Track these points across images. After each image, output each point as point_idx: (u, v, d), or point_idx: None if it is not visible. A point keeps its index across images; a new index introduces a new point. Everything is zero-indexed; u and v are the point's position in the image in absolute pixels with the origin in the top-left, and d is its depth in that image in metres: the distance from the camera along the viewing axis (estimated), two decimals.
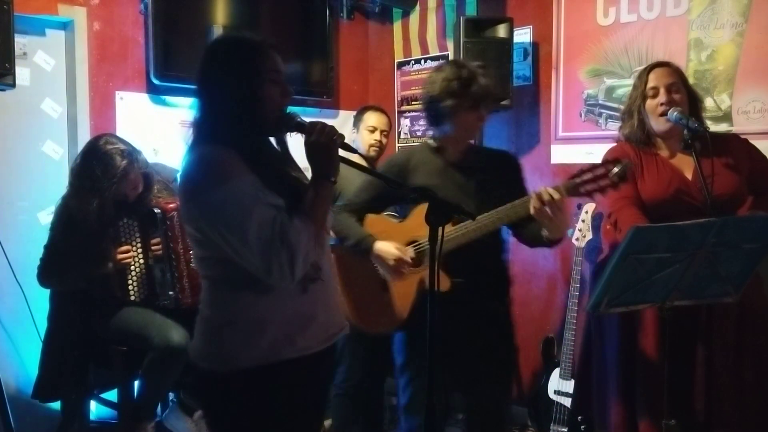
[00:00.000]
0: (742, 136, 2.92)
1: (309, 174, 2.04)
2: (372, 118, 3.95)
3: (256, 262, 1.84)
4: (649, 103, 2.74)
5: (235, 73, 1.93)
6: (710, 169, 2.55)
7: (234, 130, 1.92)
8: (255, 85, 1.93)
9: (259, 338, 1.94)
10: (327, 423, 4.01)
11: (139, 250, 3.38)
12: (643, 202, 2.71)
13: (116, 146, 3.28)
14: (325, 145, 1.94)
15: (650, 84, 2.74)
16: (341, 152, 2.00)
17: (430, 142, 2.88)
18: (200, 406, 2.62)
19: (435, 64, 4.82)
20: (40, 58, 3.76)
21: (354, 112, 4.20)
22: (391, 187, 2.60)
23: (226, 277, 1.96)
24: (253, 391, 1.95)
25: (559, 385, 3.78)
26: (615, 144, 2.92)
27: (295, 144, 2.07)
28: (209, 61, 2.00)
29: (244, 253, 1.84)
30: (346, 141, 2.01)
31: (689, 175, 2.71)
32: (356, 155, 2.31)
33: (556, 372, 3.84)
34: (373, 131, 3.92)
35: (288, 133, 2.06)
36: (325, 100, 4.81)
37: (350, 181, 3.56)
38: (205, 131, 1.97)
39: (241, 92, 1.92)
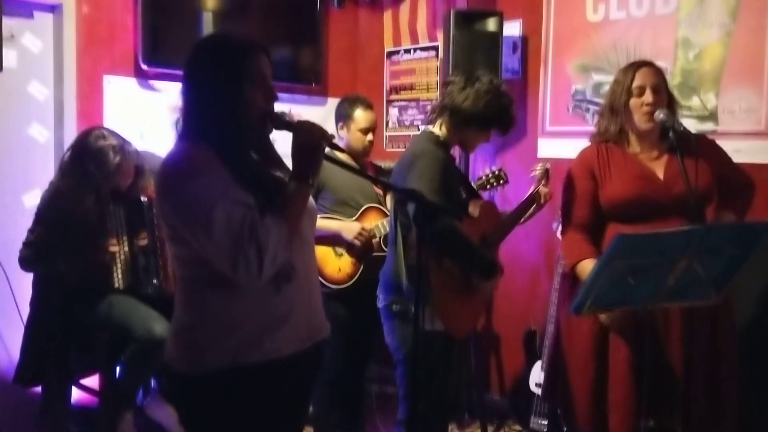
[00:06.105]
0: (728, 136, 2.93)
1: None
2: (364, 118, 3.70)
3: (222, 258, 1.83)
4: (634, 101, 2.73)
5: (218, 75, 1.93)
6: (692, 170, 2.57)
7: (215, 129, 1.92)
8: (237, 89, 1.92)
9: (226, 340, 1.92)
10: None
11: (125, 239, 3.38)
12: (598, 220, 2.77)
13: (108, 142, 3.27)
14: (312, 146, 1.92)
15: (636, 82, 2.71)
16: (327, 150, 1.96)
17: None
18: (173, 407, 2.60)
19: (425, 54, 4.82)
20: (27, 40, 3.72)
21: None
22: (379, 186, 2.59)
23: (197, 276, 1.95)
24: (221, 393, 1.93)
25: (541, 378, 3.78)
26: (585, 147, 2.90)
27: (283, 139, 2.05)
28: (196, 60, 1.99)
29: (210, 250, 1.83)
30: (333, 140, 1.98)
31: (660, 175, 2.73)
32: (343, 154, 2.27)
33: (538, 364, 3.87)
34: (366, 132, 3.69)
35: (275, 131, 2.04)
36: (313, 87, 4.80)
37: (334, 175, 3.54)
38: (187, 128, 1.98)
39: (223, 94, 1.92)
